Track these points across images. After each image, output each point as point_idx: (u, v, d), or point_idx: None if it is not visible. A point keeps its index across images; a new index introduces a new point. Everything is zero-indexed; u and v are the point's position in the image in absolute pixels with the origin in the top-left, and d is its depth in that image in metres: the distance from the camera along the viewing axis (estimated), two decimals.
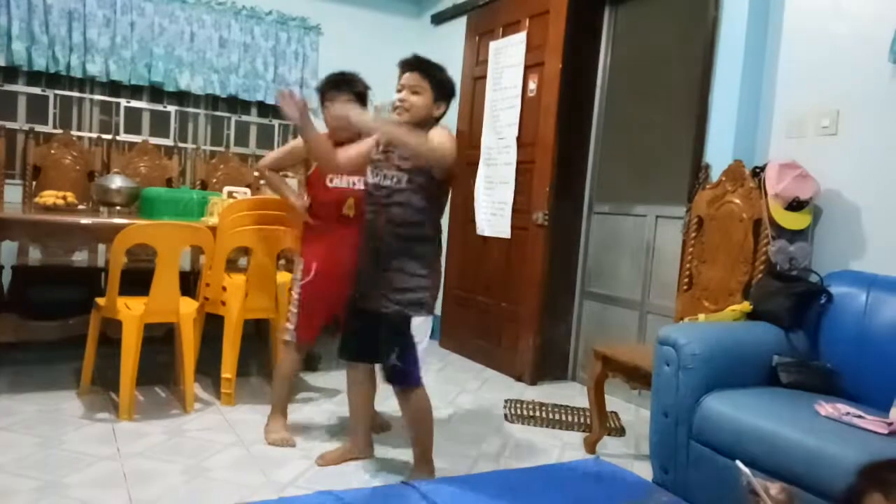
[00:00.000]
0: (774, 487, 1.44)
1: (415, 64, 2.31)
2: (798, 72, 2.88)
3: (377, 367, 2.48)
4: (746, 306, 2.57)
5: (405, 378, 2.31)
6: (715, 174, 2.98)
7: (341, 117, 2.34)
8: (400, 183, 2.26)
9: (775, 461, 1.89)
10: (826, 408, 2.03)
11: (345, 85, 2.78)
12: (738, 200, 2.80)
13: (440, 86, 2.31)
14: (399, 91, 2.30)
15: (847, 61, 2.70)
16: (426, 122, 2.30)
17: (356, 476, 2.47)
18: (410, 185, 2.25)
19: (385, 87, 3.02)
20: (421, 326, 2.30)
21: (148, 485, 2.26)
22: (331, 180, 2.71)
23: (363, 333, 2.39)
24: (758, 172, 2.78)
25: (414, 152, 2.20)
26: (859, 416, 1.96)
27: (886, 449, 1.73)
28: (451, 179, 2.36)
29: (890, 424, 1.91)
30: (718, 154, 3.02)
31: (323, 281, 2.67)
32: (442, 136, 2.25)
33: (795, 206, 2.65)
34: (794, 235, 2.67)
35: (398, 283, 2.26)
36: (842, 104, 2.71)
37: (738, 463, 1.52)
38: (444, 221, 4.88)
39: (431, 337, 2.35)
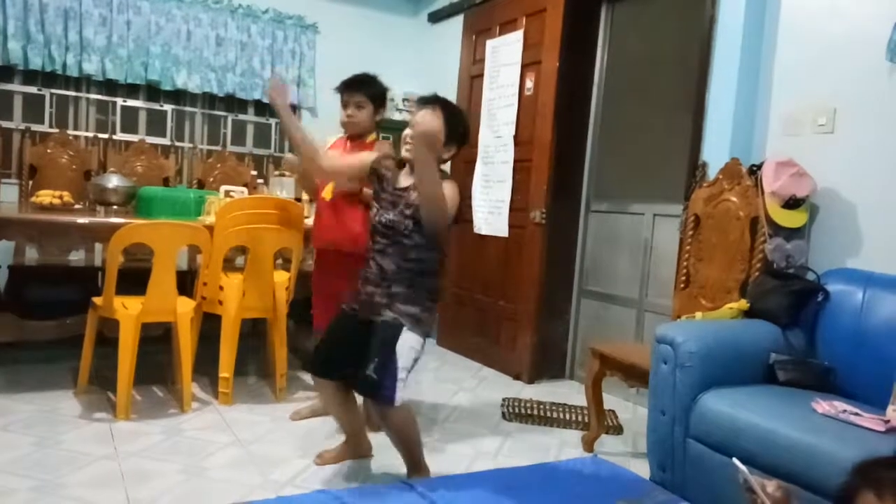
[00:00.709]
0: (771, 485, 1.44)
1: (431, 103, 2.28)
2: (795, 70, 2.89)
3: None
4: (743, 304, 2.58)
5: (377, 391, 2.18)
6: (712, 172, 2.98)
7: (427, 133, 2.12)
8: (408, 229, 2.24)
9: (772, 459, 1.90)
10: (823, 405, 2.03)
11: (362, 86, 2.84)
12: (734, 198, 2.80)
13: (454, 128, 2.27)
14: (412, 127, 2.28)
15: (843, 59, 2.70)
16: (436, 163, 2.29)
17: (354, 475, 2.47)
18: (417, 228, 2.23)
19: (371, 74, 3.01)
20: (409, 343, 2.21)
21: (145, 484, 2.26)
22: None
23: (346, 347, 2.32)
24: (755, 170, 2.78)
25: (428, 192, 2.11)
26: (856, 414, 1.97)
27: (883, 446, 1.73)
28: (450, 228, 2.34)
29: (887, 422, 1.91)
30: (715, 152, 3.02)
31: (323, 262, 2.92)
32: (450, 191, 2.19)
33: (792, 203, 2.65)
34: (791, 233, 2.67)
35: (401, 296, 2.25)
36: (838, 102, 2.71)
37: (735, 460, 1.52)
38: None
39: (428, 336, 2.32)
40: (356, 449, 2.60)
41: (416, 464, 2.37)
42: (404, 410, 2.27)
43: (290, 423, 2.97)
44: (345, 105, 2.87)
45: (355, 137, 2.92)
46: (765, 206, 2.66)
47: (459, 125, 2.29)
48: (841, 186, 2.68)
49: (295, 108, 2.52)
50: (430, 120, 2.12)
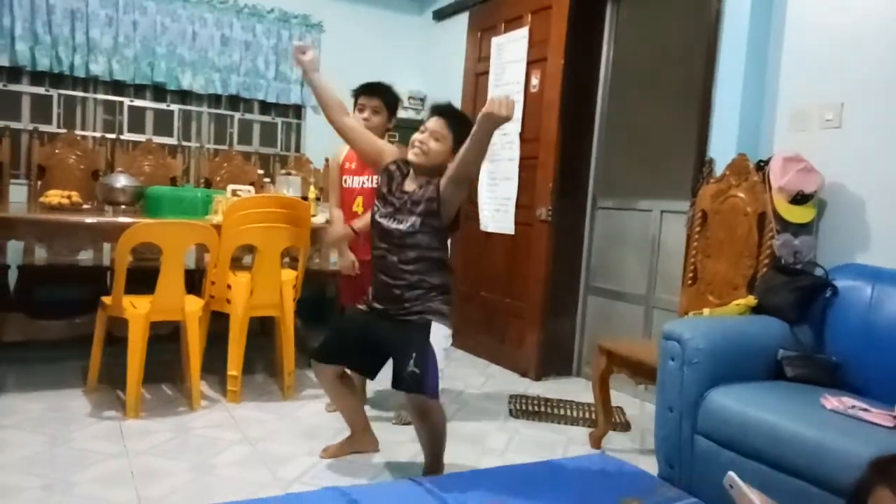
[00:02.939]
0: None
1: (444, 112, 2.32)
2: (802, 65, 2.87)
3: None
4: (751, 300, 2.57)
5: (422, 386, 2.21)
6: (719, 168, 2.97)
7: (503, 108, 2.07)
8: (413, 227, 2.27)
9: (780, 455, 1.90)
10: (831, 401, 2.03)
11: (380, 92, 2.96)
12: (742, 194, 2.79)
13: (462, 139, 2.25)
14: (422, 132, 2.31)
15: (851, 54, 2.69)
16: (438, 170, 2.31)
17: (362, 472, 2.48)
18: (423, 229, 2.26)
19: (387, 83, 3.03)
20: (441, 334, 2.28)
21: (155, 482, 2.27)
22: (344, 181, 3.03)
23: (357, 338, 2.38)
24: (762, 166, 2.77)
25: (480, 151, 2.14)
26: (865, 410, 1.96)
27: (892, 442, 1.72)
28: (458, 223, 2.37)
29: (895, 417, 1.90)
30: (722, 148, 3.01)
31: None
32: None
33: (800, 199, 2.64)
34: (799, 229, 2.66)
35: (417, 304, 2.28)
36: (846, 97, 2.70)
37: (732, 475, 1.50)
38: None
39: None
40: (361, 443, 2.63)
41: (437, 462, 2.40)
42: (440, 406, 2.34)
43: (298, 420, 2.98)
44: (360, 108, 2.95)
45: None
46: (772, 201, 2.65)
47: (468, 135, 2.28)
48: (849, 182, 2.67)
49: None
50: (511, 106, 2.04)
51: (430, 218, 2.27)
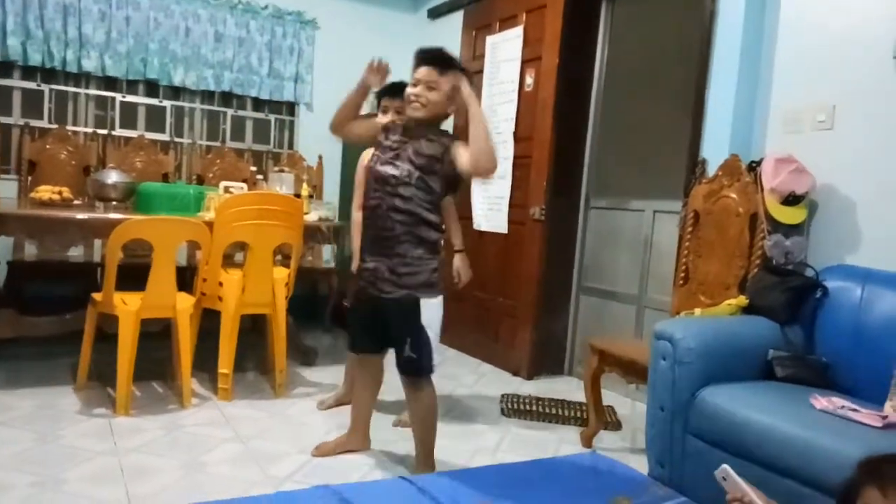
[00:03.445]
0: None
1: (432, 58, 2.25)
2: (794, 66, 2.88)
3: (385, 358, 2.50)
4: (742, 301, 2.58)
5: (419, 368, 2.30)
6: (711, 169, 2.99)
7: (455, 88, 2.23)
8: (410, 177, 2.23)
9: (771, 455, 1.90)
10: (821, 401, 2.04)
11: (401, 93, 2.83)
12: (734, 195, 2.80)
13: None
14: (414, 86, 2.25)
15: (843, 56, 2.70)
16: (439, 120, 2.29)
17: (354, 470, 2.48)
18: (419, 182, 2.23)
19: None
20: (432, 311, 2.29)
21: (145, 480, 2.26)
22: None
23: (371, 322, 2.40)
24: (754, 167, 2.78)
25: (487, 143, 2.17)
26: (854, 410, 1.97)
27: (881, 442, 1.74)
28: (459, 184, 2.37)
29: (884, 417, 1.92)
30: (715, 149, 3.02)
31: None
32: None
33: (791, 200, 2.65)
34: (790, 230, 2.67)
35: (404, 267, 2.25)
36: (838, 99, 2.71)
37: (726, 467, 1.50)
38: None
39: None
40: (355, 443, 2.63)
41: (427, 451, 2.41)
42: (433, 389, 2.37)
43: (290, 418, 2.97)
44: (385, 110, 2.82)
45: None
46: (764, 202, 2.66)
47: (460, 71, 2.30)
48: (840, 183, 2.68)
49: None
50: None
51: (427, 175, 2.23)
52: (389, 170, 2.26)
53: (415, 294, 2.26)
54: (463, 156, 2.20)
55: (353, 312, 2.54)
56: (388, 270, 2.27)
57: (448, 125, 2.45)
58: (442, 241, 2.38)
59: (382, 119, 2.78)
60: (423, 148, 2.25)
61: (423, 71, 2.25)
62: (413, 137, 2.29)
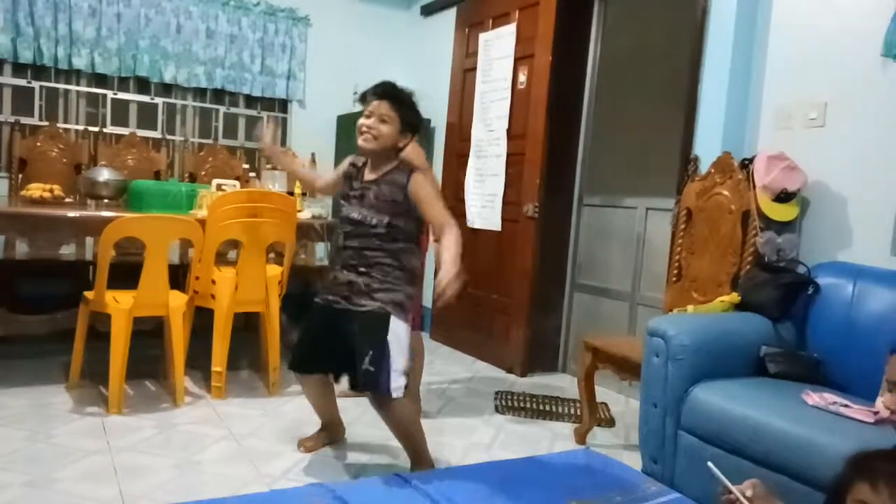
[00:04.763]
0: (748, 488, 1.43)
1: (386, 93, 2.30)
2: (786, 64, 2.90)
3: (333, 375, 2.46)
4: (735, 297, 2.59)
5: (377, 385, 2.20)
6: (704, 166, 3.00)
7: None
8: (380, 225, 2.25)
9: (763, 450, 1.92)
10: (813, 397, 2.05)
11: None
12: (726, 192, 2.81)
13: (408, 118, 2.31)
14: (367, 118, 2.29)
15: (835, 54, 2.71)
16: (390, 152, 2.31)
17: (348, 468, 2.48)
18: (390, 228, 2.25)
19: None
20: (399, 332, 2.23)
21: (138, 479, 2.25)
22: None
23: (325, 342, 2.34)
24: (746, 164, 2.79)
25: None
26: (846, 406, 1.98)
27: (872, 437, 1.75)
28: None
29: (876, 413, 1.93)
30: (707, 146, 3.03)
31: None
32: (426, 188, 2.26)
33: (783, 197, 2.67)
34: (782, 227, 2.69)
35: (381, 284, 2.24)
36: (830, 96, 2.72)
37: (710, 465, 1.50)
38: None
39: (421, 329, 2.33)
40: (334, 433, 2.68)
41: (419, 456, 2.39)
42: (403, 403, 2.28)
43: (283, 416, 2.97)
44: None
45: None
46: (756, 199, 2.67)
47: (413, 117, 2.33)
48: (832, 180, 2.70)
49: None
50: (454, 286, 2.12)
51: (395, 217, 2.25)
52: (357, 215, 2.29)
53: (386, 308, 2.22)
54: (425, 204, 2.24)
55: (307, 327, 2.44)
56: (365, 285, 2.25)
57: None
58: (419, 271, 2.37)
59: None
60: (383, 193, 2.27)
61: (377, 105, 2.29)
62: (372, 180, 2.31)
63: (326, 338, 2.33)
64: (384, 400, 2.24)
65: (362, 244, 2.28)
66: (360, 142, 2.30)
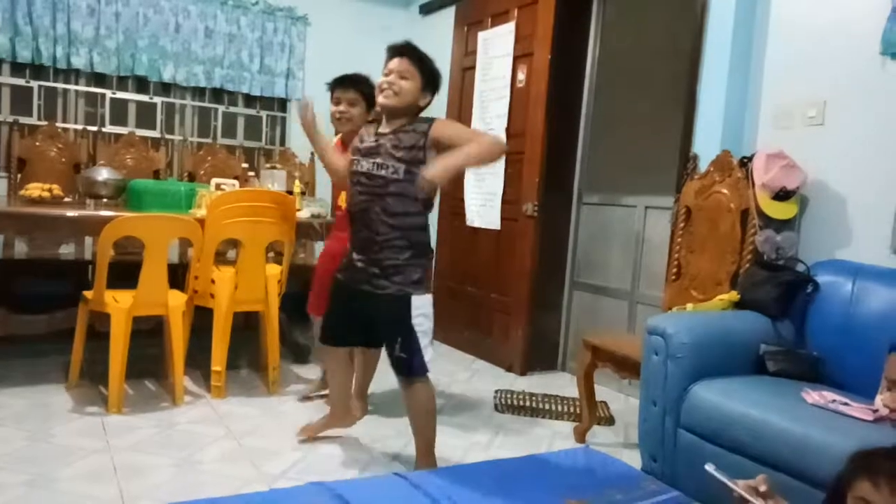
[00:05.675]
0: (761, 483, 1.43)
1: (405, 50, 2.28)
2: (786, 62, 2.90)
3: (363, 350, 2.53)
4: (734, 296, 2.59)
5: (410, 368, 2.28)
6: (703, 164, 3.00)
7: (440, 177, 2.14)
8: (397, 173, 2.20)
9: (762, 448, 1.92)
10: (812, 395, 2.05)
11: (355, 83, 2.89)
12: (725, 190, 2.81)
13: (429, 75, 2.29)
14: (387, 75, 2.25)
15: (834, 52, 2.71)
16: (410, 111, 2.26)
17: (348, 467, 2.48)
18: (408, 176, 2.18)
19: (373, 77, 3.02)
20: (422, 310, 2.26)
21: (138, 478, 2.25)
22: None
23: (350, 317, 2.38)
24: (745, 162, 2.79)
25: (482, 161, 2.23)
26: (845, 404, 1.98)
27: (872, 436, 1.75)
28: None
29: (875, 411, 1.93)
30: (706, 144, 3.03)
31: (327, 260, 2.97)
32: (456, 125, 2.29)
33: (782, 195, 2.67)
34: (781, 225, 2.69)
35: (394, 268, 2.24)
36: (829, 94, 2.72)
37: (709, 467, 1.50)
38: (434, 213, 4.89)
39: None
40: (340, 419, 2.67)
41: (428, 446, 2.39)
42: (429, 384, 2.35)
43: (283, 415, 2.97)
44: (336, 102, 2.90)
45: (349, 138, 2.94)
46: (755, 197, 2.67)
47: (434, 74, 2.32)
48: (831, 178, 2.70)
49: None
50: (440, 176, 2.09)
51: (414, 166, 2.18)
52: (374, 169, 2.23)
53: (406, 290, 2.24)
54: (456, 135, 2.21)
55: (332, 302, 2.46)
56: (379, 267, 2.25)
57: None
58: (428, 240, 2.35)
59: (334, 109, 2.89)
60: (401, 140, 2.22)
61: (396, 62, 2.26)
62: (388, 132, 2.26)
63: (352, 313, 2.38)
64: (413, 380, 2.30)
65: (374, 212, 2.22)
66: (380, 99, 2.26)
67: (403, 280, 2.24)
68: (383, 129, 2.29)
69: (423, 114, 2.32)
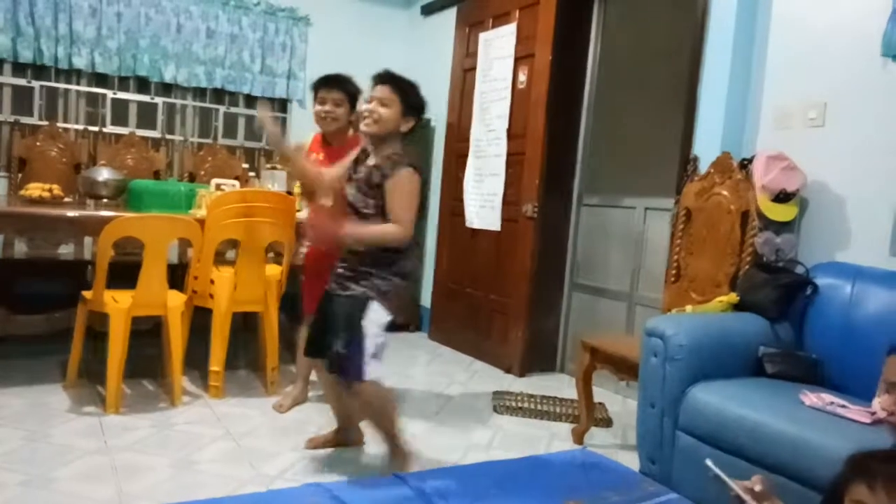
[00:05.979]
0: (756, 483, 1.43)
1: (386, 78, 2.33)
2: (786, 64, 2.89)
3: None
4: (733, 298, 2.59)
5: (347, 369, 2.22)
6: (703, 166, 2.99)
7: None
8: (368, 208, 2.28)
9: (760, 450, 1.92)
10: (811, 398, 2.05)
11: (337, 84, 2.91)
12: (725, 192, 2.81)
13: (410, 101, 2.32)
14: (369, 102, 2.32)
15: (835, 54, 2.71)
16: (393, 136, 2.31)
17: (346, 468, 2.48)
18: (377, 210, 2.27)
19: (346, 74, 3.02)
20: (377, 318, 2.23)
21: (136, 478, 2.25)
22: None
23: (325, 323, 2.37)
24: (745, 164, 2.79)
25: (383, 243, 2.25)
26: (843, 406, 1.98)
27: (869, 438, 1.75)
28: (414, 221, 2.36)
29: (873, 414, 1.93)
30: (707, 146, 3.03)
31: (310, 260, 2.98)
32: (408, 187, 2.25)
33: (782, 197, 2.66)
34: (781, 227, 2.68)
35: (367, 274, 2.26)
36: (829, 96, 2.72)
37: (709, 462, 1.49)
38: (433, 214, 4.90)
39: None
40: (346, 436, 2.64)
41: (392, 442, 2.38)
42: (375, 385, 2.27)
43: (281, 416, 2.97)
44: (322, 102, 2.93)
45: (333, 137, 2.98)
46: (755, 199, 2.67)
47: (415, 100, 2.34)
48: (831, 180, 2.69)
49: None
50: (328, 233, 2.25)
51: (380, 200, 2.26)
52: (355, 200, 2.32)
53: (370, 294, 2.24)
54: (389, 199, 2.25)
55: (317, 312, 2.48)
56: (353, 271, 2.29)
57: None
58: (408, 267, 2.36)
59: (319, 109, 2.92)
60: (371, 177, 2.28)
61: (378, 89, 2.31)
62: (372, 165, 2.31)
63: (325, 319, 2.36)
64: (350, 384, 2.27)
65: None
66: (361, 126, 2.32)
67: (370, 286, 2.25)
68: (371, 159, 2.34)
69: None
